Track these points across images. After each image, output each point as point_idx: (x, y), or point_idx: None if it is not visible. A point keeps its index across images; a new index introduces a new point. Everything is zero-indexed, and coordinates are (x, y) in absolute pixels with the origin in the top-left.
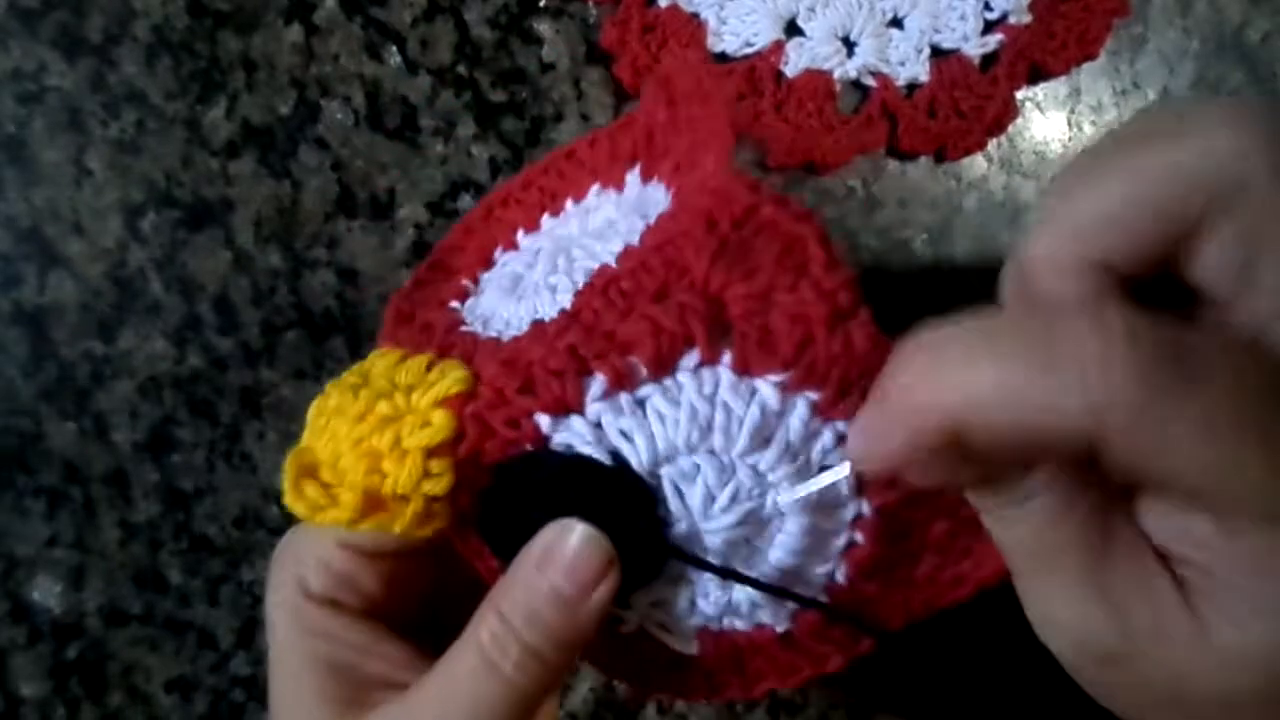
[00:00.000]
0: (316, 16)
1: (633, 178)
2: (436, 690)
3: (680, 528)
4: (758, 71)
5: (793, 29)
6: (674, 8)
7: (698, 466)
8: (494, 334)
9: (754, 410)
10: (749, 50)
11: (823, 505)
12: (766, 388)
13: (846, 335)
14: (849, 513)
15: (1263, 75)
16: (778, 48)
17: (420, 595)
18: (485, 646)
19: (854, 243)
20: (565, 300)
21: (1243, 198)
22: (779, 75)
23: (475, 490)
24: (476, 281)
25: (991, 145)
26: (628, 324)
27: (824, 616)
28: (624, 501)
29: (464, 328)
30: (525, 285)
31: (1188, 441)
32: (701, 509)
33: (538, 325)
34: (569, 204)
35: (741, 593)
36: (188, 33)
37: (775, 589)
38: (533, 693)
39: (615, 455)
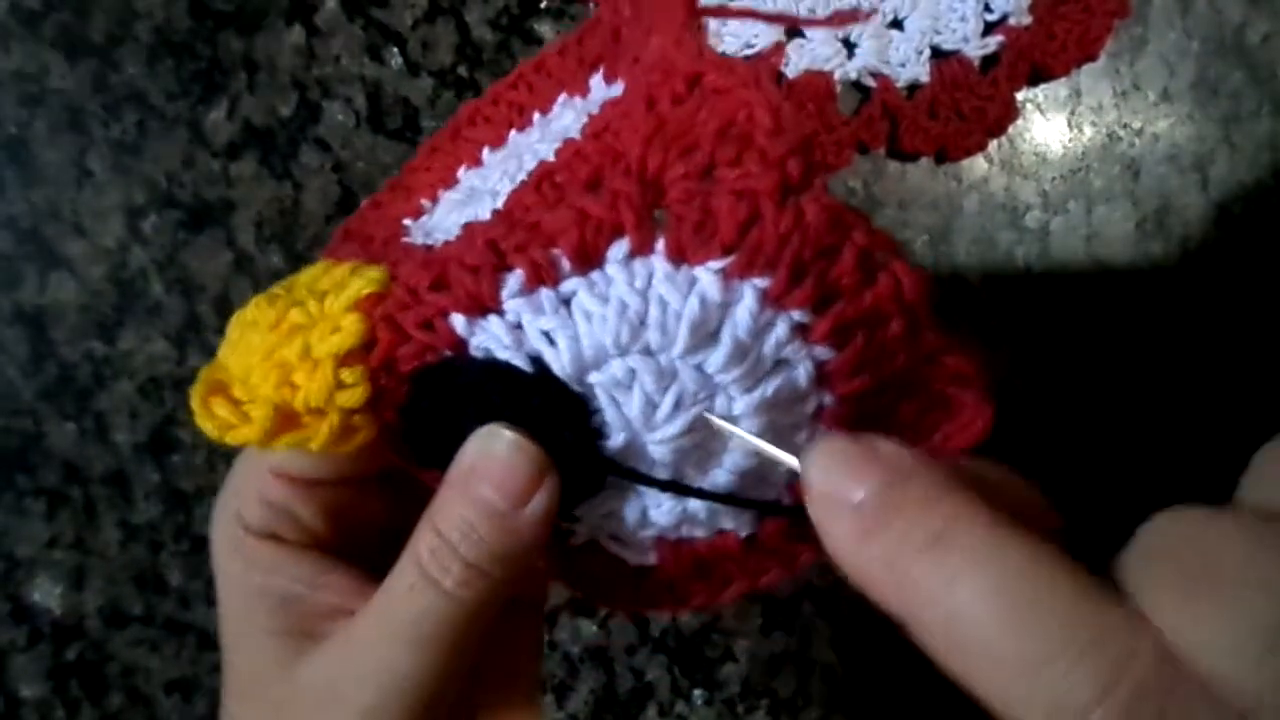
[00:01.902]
0: (318, 18)
1: (596, 80)
2: (378, 611)
3: (619, 439)
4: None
5: (793, 30)
6: None
7: (633, 372)
8: (432, 244)
9: (693, 303)
10: (749, 51)
11: (779, 402)
12: (707, 276)
13: (798, 210)
14: (810, 406)
15: (1263, 75)
16: (778, 49)
17: (372, 523)
18: (424, 563)
19: None
20: (503, 200)
21: None
22: (779, 76)
23: (396, 401)
24: (436, 200)
25: (992, 146)
26: (552, 214)
27: (792, 511)
28: (550, 412)
29: (405, 239)
30: (477, 195)
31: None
32: (642, 418)
33: (467, 226)
34: (535, 116)
35: (698, 501)
36: (189, 34)
37: (726, 497)
38: (478, 607)
39: (537, 361)
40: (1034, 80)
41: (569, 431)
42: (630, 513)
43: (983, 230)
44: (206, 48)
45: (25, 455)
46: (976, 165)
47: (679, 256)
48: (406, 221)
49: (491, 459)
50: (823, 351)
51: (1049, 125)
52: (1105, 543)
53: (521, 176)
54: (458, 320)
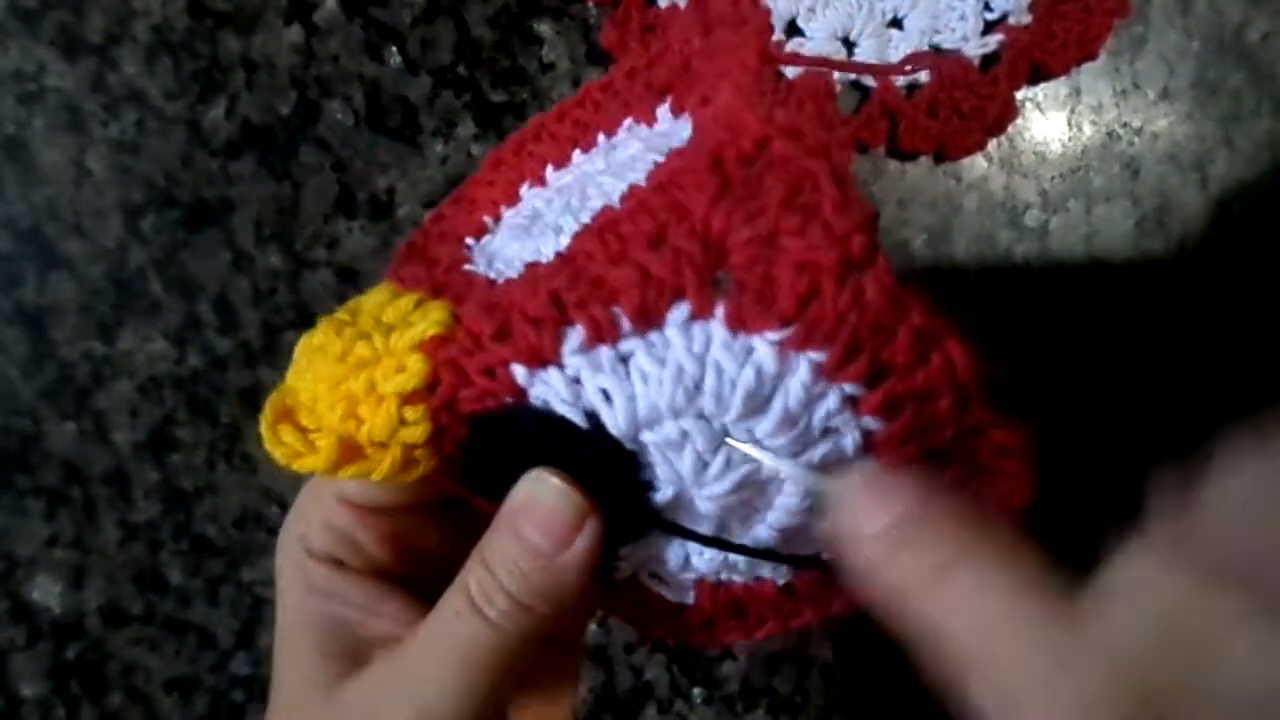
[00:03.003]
0: (316, 17)
1: (663, 111)
2: (424, 636)
3: (668, 493)
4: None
5: (793, 29)
6: (674, 8)
7: (685, 434)
8: (494, 276)
9: (748, 372)
10: None
11: (824, 467)
12: (764, 347)
13: (858, 288)
14: None
15: (1263, 75)
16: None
17: (431, 552)
18: (473, 594)
19: None
20: (567, 242)
21: None
22: (779, 75)
23: (456, 439)
24: (498, 218)
25: (991, 145)
26: (615, 270)
27: (829, 565)
28: (602, 465)
29: (467, 267)
30: (540, 225)
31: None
32: (693, 476)
33: (531, 266)
34: (600, 138)
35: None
36: (188, 33)
37: (766, 553)
38: (521, 640)
39: (592, 416)
40: (1034, 79)
41: (619, 485)
42: (673, 557)
43: (982, 229)
44: (205, 47)
45: (25, 455)
46: (976, 164)
47: (738, 325)
48: (469, 241)
49: (538, 502)
50: (871, 422)
51: (1048, 124)
52: (1103, 537)
53: (585, 214)
54: (518, 370)
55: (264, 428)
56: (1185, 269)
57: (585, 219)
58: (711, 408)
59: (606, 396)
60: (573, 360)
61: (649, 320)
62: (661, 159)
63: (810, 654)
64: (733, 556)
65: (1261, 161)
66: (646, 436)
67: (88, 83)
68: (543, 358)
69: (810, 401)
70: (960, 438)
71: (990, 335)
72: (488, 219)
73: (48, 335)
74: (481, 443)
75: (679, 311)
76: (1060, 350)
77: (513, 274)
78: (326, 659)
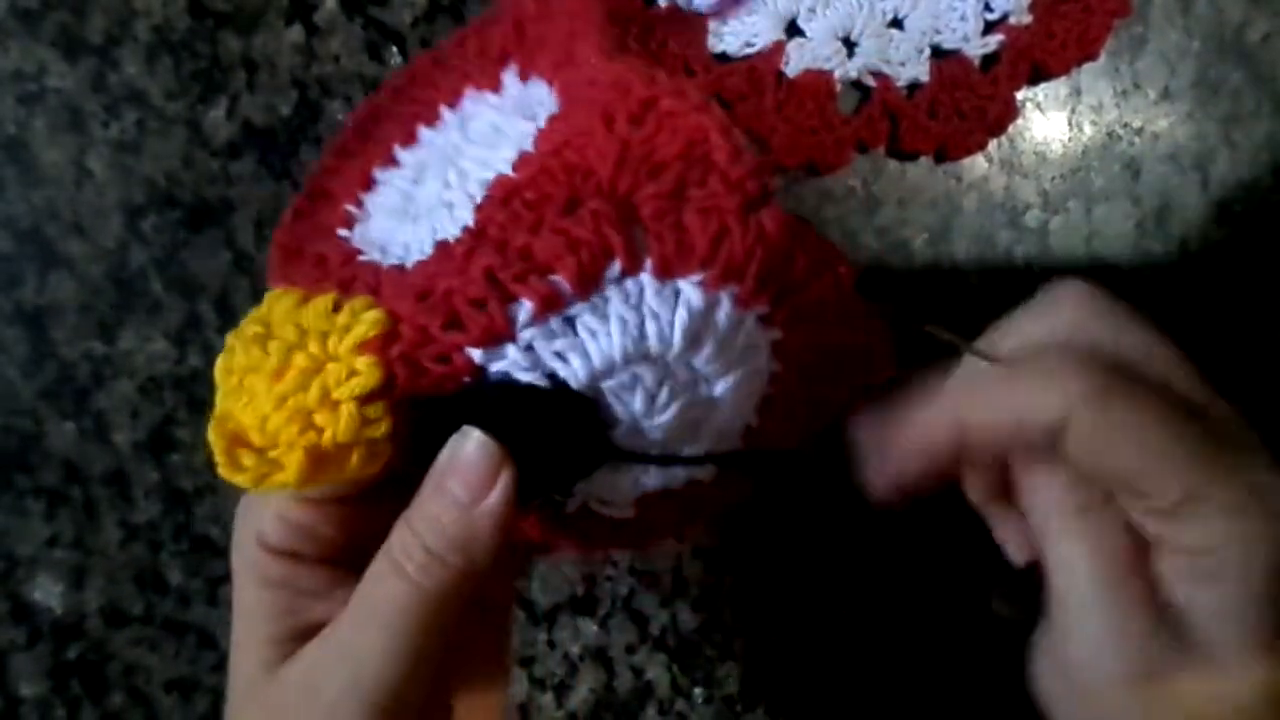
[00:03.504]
0: (317, 17)
1: (510, 77)
2: (354, 605)
3: (623, 427)
4: (758, 72)
5: (793, 29)
6: (673, 8)
7: (636, 377)
8: (395, 261)
9: (681, 313)
10: (749, 50)
11: (745, 379)
12: (690, 289)
13: (759, 224)
14: (766, 374)
15: (1263, 75)
16: (778, 48)
17: (379, 535)
18: (393, 554)
19: (854, 243)
20: (466, 216)
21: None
22: (779, 75)
23: (412, 420)
24: (360, 205)
25: (992, 145)
26: (542, 240)
27: (743, 451)
28: (566, 417)
29: (362, 257)
30: (419, 205)
31: (1130, 433)
32: (644, 410)
33: (441, 245)
34: (445, 111)
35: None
36: (188, 33)
37: (704, 459)
38: (439, 595)
39: (552, 377)
40: (1034, 79)
41: (581, 430)
42: (624, 483)
43: (982, 229)
44: (206, 47)
45: (25, 455)
46: (976, 164)
47: (665, 273)
48: (342, 232)
49: (461, 456)
50: (777, 333)
51: (1049, 124)
52: None
53: (472, 185)
54: (474, 352)
55: (218, 457)
56: (1185, 269)
57: (476, 191)
58: (656, 349)
59: (562, 357)
60: (525, 333)
61: (589, 284)
62: (540, 125)
63: (810, 655)
64: (676, 470)
65: (1261, 161)
66: (604, 384)
67: (88, 83)
68: (498, 335)
69: (734, 327)
70: (845, 336)
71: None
72: (350, 208)
73: (48, 335)
74: (443, 422)
75: (612, 270)
76: None
77: (419, 257)
78: (277, 645)
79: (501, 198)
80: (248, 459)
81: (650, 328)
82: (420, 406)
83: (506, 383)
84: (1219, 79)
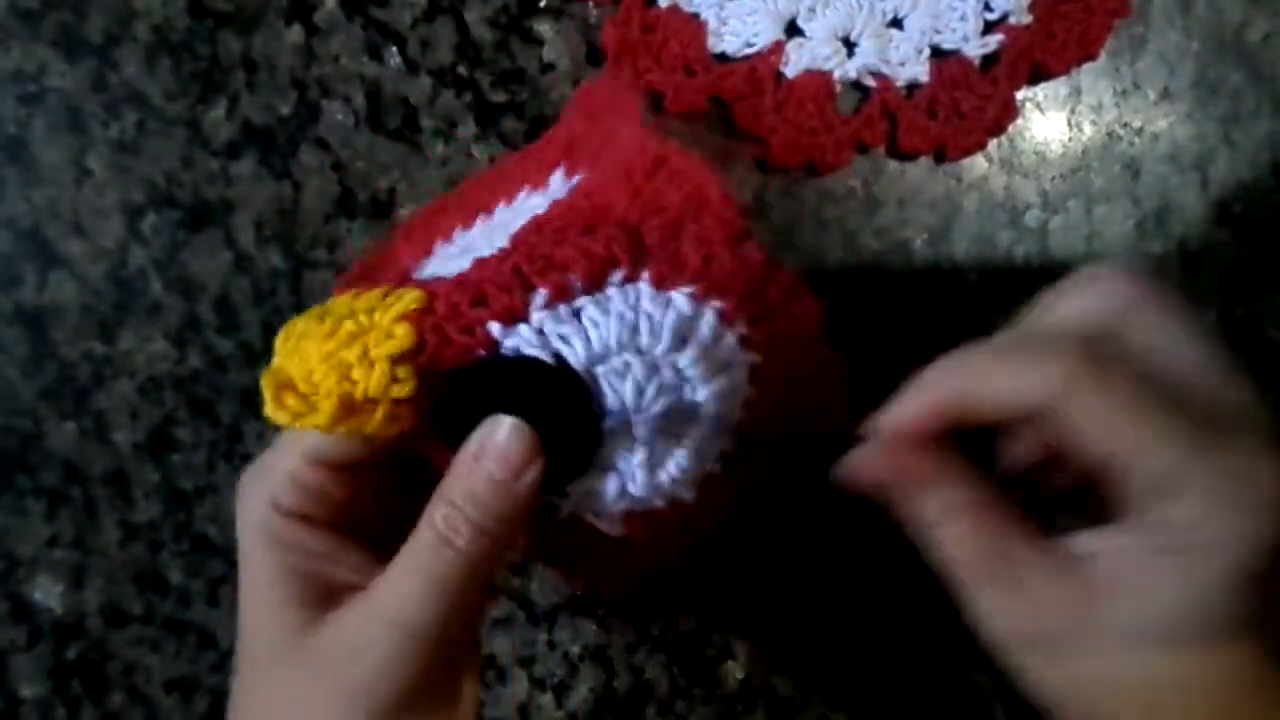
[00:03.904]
0: (317, 17)
1: (557, 177)
2: (399, 570)
3: (614, 418)
4: (758, 72)
5: (793, 29)
6: (674, 8)
7: (628, 364)
8: (445, 275)
9: (671, 315)
10: (749, 50)
11: (724, 392)
12: (680, 298)
13: (742, 253)
14: (741, 394)
15: (1263, 75)
16: (778, 48)
17: (379, 508)
18: (439, 527)
19: (854, 243)
20: (503, 243)
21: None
22: (779, 76)
23: (435, 392)
24: (413, 266)
25: (991, 145)
26: (562, 249)
27: (721, 476)
28: (565, 396)
29: (415, 275)
30: (469, 250)
31: (1112, 413)
32: (634, 401)
33: (478, 260)
34: (500, 207)
35: (665, 472)
36: (188, 33)
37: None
38: (483, 561)
39: (557, 356)
40: (1034, 79)
41: (581, 411)
42: (611, 488)
43: (982, 229)
44: (205, 47)
45: (25, 455)
46: (976, 164)
47: (660, 283)
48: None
49: (496, 439)
50: (754, 357)
51: (1049, 124)
52: None
53: (501, 240)
54: (494, 327)
55: (267, 397)
56: (1185, 269)
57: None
58: (646, 343)
59: (566, 340)
60: (537, 315)
61: (596, 284)
62: (578, 183)
63: (810, 654)
64: (660, 479)
65: (1261, 161)
66: (599, 369)
67: (88, 83)
68: (516, 315)
69: (716, 338)
70: (809, 366)
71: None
72: (408, 264)
73: (48, 335)
74: (463, 387)
75: (616, 276)
76: None
77: (462, 271)
78: (298, 607)
79: (534, 226)
80: (290, 399)
81: (643, 324)
82: (444, 376)
83: (515, 356)
84: (1219, 79)
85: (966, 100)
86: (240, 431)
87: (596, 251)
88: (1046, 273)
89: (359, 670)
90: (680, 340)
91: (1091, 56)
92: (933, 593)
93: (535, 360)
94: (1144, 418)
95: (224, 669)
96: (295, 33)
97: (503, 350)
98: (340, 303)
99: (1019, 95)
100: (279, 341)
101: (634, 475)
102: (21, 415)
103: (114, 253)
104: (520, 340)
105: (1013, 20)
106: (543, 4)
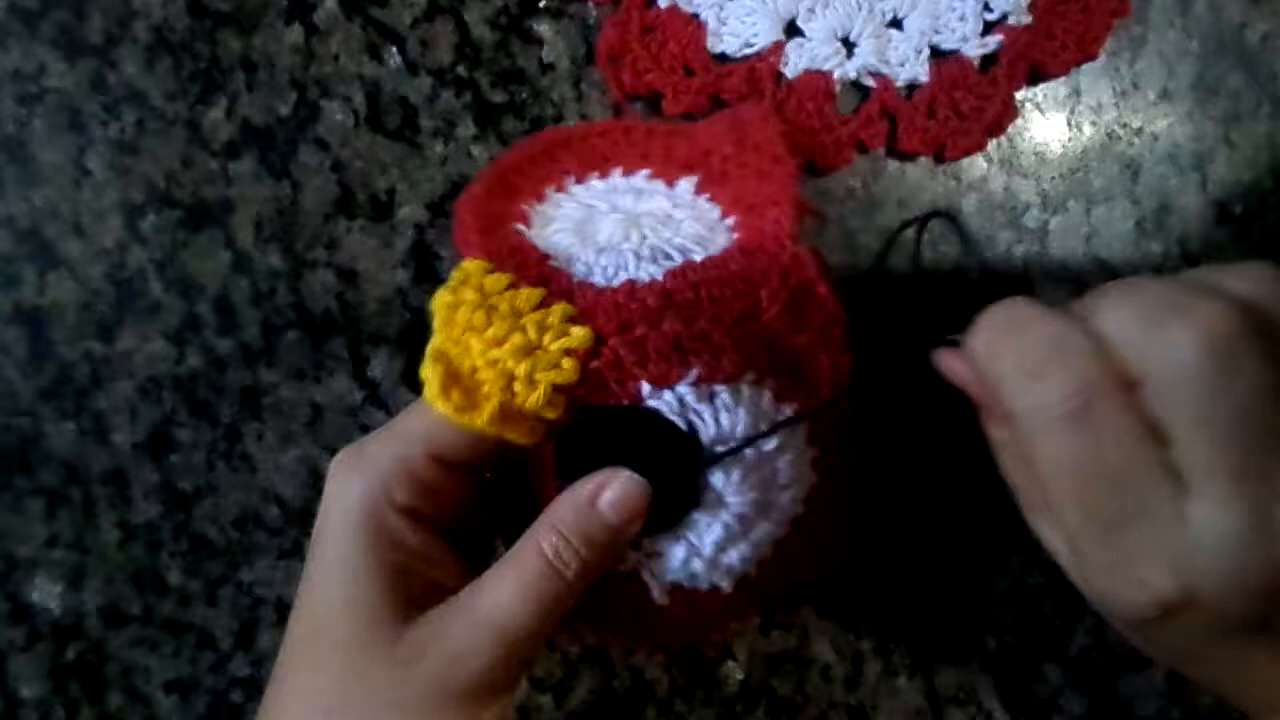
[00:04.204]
0: (316, 17)
1: (687, 184)
2: (509, 586)
3: (710, 495)
4: (757, 72)
5: (792, 30)
6: (674, 8)
7: (744, 454)
8: (580, 275)
9: (751, 418)
10: (749, 51)
11: (799, 497)
12: (788, 409)
13: (839, 386)
14: (806, 484)
15: (1263, 75)
16: (777, 48)
17: (467, 514)
18: (550, 556)
19: (854, 243)
20: (652, 271)
21: None
22: (779, 76)
23: (567, 417)
24: (533, 209)
25: (991, 146)
26: (718, 332)
27: (761, 574)
28: (680, 461)
29: (552, 262)
30: (598, 238)
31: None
32: (736, 486)
33: (631, 286)
34: (616, 173)
35: (727, 557)
36: (188, 33)
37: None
38: (580, 591)
39: (690, 425)
40: (1033, 79)
41: (691, 476)
42: (678, 554)
43: (982, 229)
44: (205, 47)
45: (24, 455)
46: (976, 165)
47: (778, 396)
48: (520, 227)
49: (616, 488)
50: (815, 451)
51: (1048, 125)
52: None
53: (656, 250)
54: (644, 386)
55: (433, 381)
56: (1185, 269)
57: (659, 255)
58: (753, 435)
59: (699, 416)
60: (684, 388)
61: (734, 377)
62: (721, 242)
63: (810, 654)
64: (724, 560)
65: (1261, 161)
66: (718, 447)
67: (88, 83)
68: (668, 383)
69: (800, 450)
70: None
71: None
72: (526, 208)
73: (48, 335)
74: (592, 427)
75: (750, 376)
76: None
77: (603, 282)
78: (391, 604)
79: (693, 281)
80: (456, 394)
81: (762, 424)
82: (589, 410)
83: (655, 414)
84: (1218, 79)
85: (966, 101)
86: (240, 431)
87: (744, 354)
88: (1046, 273)
89: (461, 674)
90: (781, 445)
91: (1091, 57)
92: (933, 592)
93: (671, 424)
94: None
95: (223, 670)
96: (295, 33)
97: (644, 405)
98: (496, 290)
99: (1019, 95)
100: (441, 316)
101: (703, 550)
102: (21, 415)
103: (113, 253)
104: (662, 404)
105: (1012, 21)
106: (543, 4)
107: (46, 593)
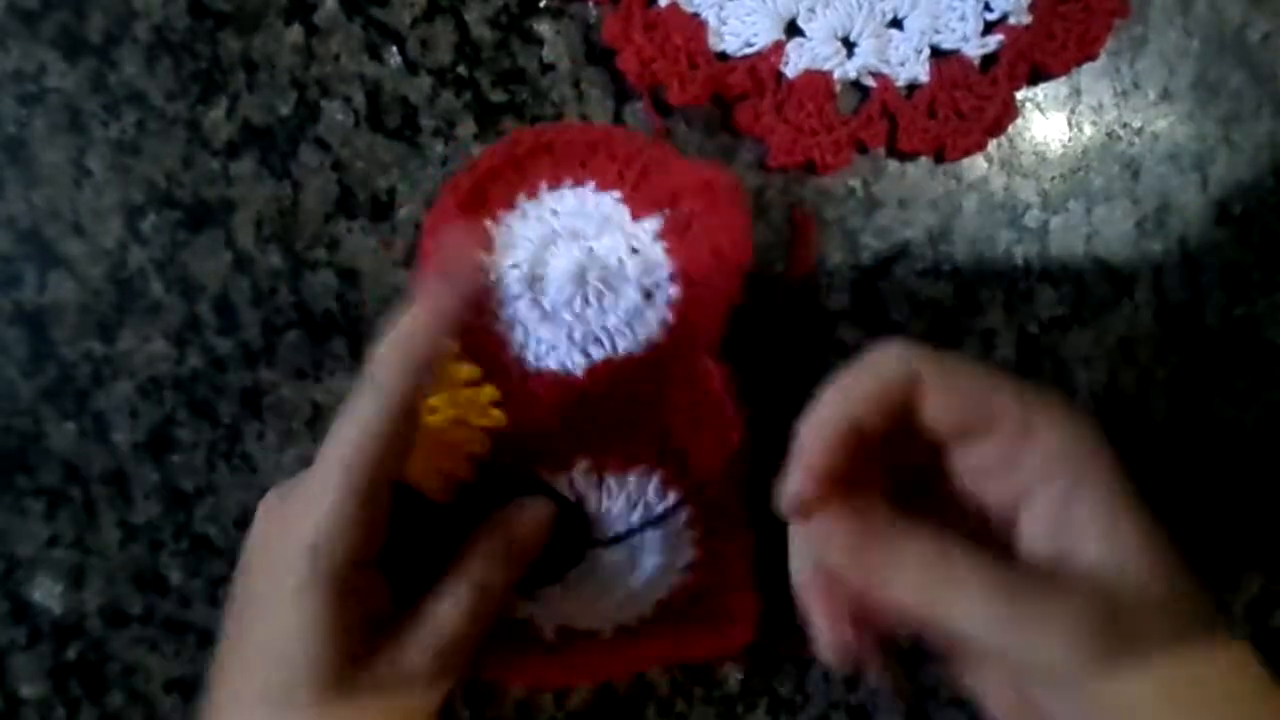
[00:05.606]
0: (317, 17)
1: (651, 225)
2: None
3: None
4: (758, 71)
5: (793, 29)
6: (674, 7)
7: (634, 529)
8: (517, 348)
9: (661, 507)
10: (749, 50)
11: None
12: (674, 494)
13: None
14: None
15: (1263, 75)
16: (778, 48)
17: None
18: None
19: (854, 243)
20: (578, 360)
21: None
22: (779, 75)
23: (476, 480)
24: (497, 224)
25: (991, 145)
26: (617, 432)
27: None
28: (567, 527)
29: (499, 325)
30: (550, 274)
31: (963, 377)
32: (616, 559)
33: (552, 378)
34: (591, 186)
35: (604, 605)
36: (188, 33)
37: (658, 518)
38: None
39: (579, 501)
40: (1034, 79)
41: (583, 546)
42: (560, 603)
43: (982, 229)
44: (205, 47)
45: (25, 455)
46: (976, 164)
47: (666, 484)
48: (484, 258)
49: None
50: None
51: (1049, 124)
52: None
53: (580, 300)
54: (544, 467)
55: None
56: (1185, 269)
57: (583, 342)
58: (639, 518)
59: (589, 496)
60: (576, 473)
61: (621, 470)
62: (640, 337)
63: (810, 654)
64: (603, 612)
65: (1261, 161)
66: (606, 525)
67: (88, 83)
68: (564, 469)
69: (679, 530)
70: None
71: (990, 336)
72: (491, 224)
73: (48, 335)
74: (495, 492)
75: (638, 469)
76: (1061, 350)
77: (529, 357)
78: (347, 647)
79: (607, 379)
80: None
81: (641, 508)
82: (495, 476)
83: (548, 486)
84: (1219, 79)
85: (966, 100)
86: (240, 432)
87: (636, 447)
88: (1046, 273)
89: (410, 696)
90: (659, 520)
91: (1091, 57)
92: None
93: (561, 496)
94: (989, 377)
95: None
96: (295, 33)
97: (540, 480)
98: (446, 371)
99: (1019, 95)
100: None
101: (581, 599)
102: (21, 415)
103: (114, 253)
104: (558, 481)
105: (1012, 20)
106: (543, 4)
107: (47, 592)
